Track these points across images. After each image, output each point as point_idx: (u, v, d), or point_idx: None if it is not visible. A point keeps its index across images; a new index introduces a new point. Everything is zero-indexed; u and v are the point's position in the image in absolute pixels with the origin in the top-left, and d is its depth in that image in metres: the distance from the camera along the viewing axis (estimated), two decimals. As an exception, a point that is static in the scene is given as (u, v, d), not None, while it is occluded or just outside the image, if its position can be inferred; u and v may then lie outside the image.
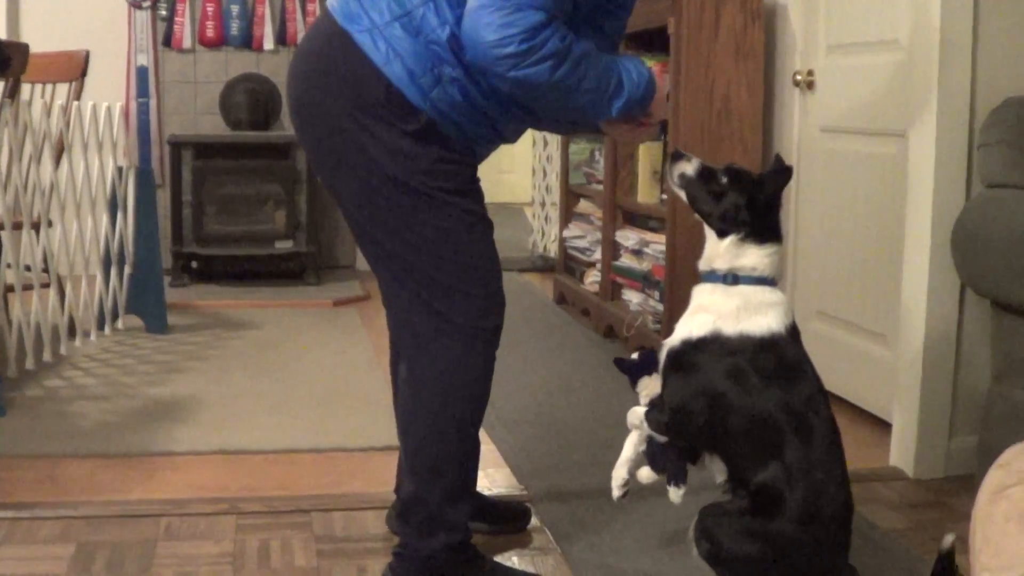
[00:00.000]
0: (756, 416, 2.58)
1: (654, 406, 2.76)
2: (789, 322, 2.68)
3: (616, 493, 2.87)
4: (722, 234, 2.68)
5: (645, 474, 2.87)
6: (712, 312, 2.66)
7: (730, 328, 2.63)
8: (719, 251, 2.69)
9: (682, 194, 2.76)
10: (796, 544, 2.57)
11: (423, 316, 2.72)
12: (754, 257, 2.67)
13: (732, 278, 2.67)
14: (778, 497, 2.56)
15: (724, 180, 2.70)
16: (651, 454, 2.82)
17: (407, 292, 2.73)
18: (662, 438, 2.77)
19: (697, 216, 2.75)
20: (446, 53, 2.57)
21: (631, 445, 2.86)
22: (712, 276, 2.70)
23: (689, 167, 2.75)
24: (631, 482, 2.88)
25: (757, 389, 2.59)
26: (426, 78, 2.58)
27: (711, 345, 2.63)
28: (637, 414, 2.81)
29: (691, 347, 2.66)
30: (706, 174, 2.73)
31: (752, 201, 2.66)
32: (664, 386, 2.73)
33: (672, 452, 2.77)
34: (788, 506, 2.55)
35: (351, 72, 2.60)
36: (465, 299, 2.70)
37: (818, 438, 2.60)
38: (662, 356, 2.74)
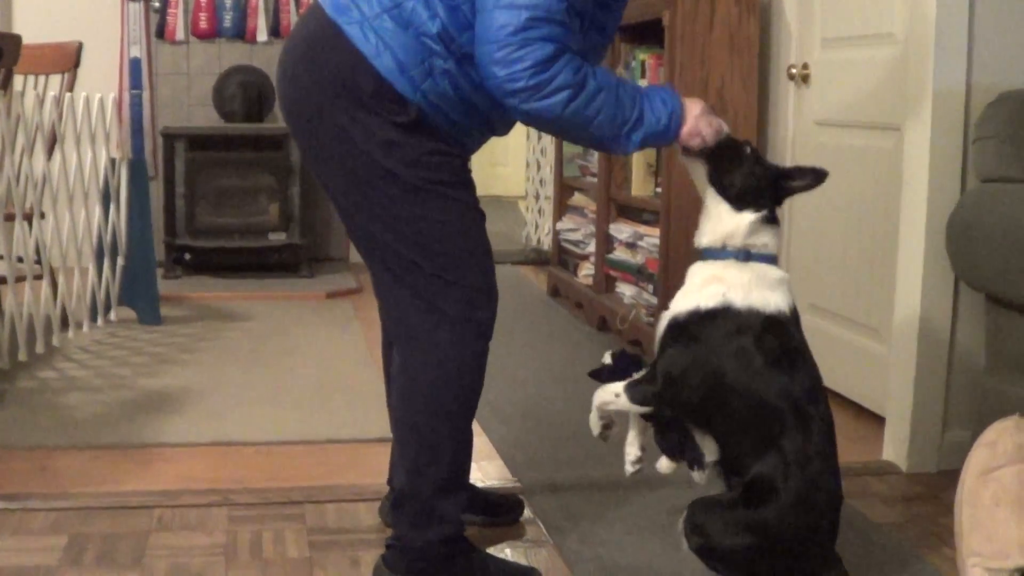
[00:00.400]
0: (758, 402, 2.58)
1: (639, 380, 2.74)
2: (792, 303, 2.68)
3: (629, 470, 2.86)
4: (740, 208, 2.67)
5: (664, 464, 2.85)
6: (724, 283, 2.64)
7: (740, 300, 2.61)
8: (737, 228, 2.66)
9: (698, 164, 2.73)
10: (787, 535, 2.57)
11: (414, 307, 2.71)
12: (768, 235, 2.67)
13: (745, 255, 2.66)
14: (772, 487, 2.56)
15: (749, 151, 2.69)
16: (664, 444, 2.80)
17: (399, 284, 2.72)
18: (641, 409, 2.74)
19: (706, 190, 2.73)
20: (437, 45, 2.56)
21: (633, 420, 2.84)
22: (723, 254, 2.68)
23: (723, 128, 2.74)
24: (644, 457, 2.86)
25: (761, 373, 2.58)
26: (417, 70, 2.57)
27: (719, 318, 2.62)
28: (608, 391, 2.78)
29: (698, 318, 2.64)
30: (733, 143, 2.73)
31: (777, 185, 2.67)
32: (660, 355, 2.70)
33: (686, 436, 2.74)
34: (781, 497, 2.55)
35: (341, 64, 2.59)
36: (457, 291, 2.70)
37: (816, 429, 2.60)
38: (661, 326, 2.71)
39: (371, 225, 2.69)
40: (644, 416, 2.80)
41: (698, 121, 2.69)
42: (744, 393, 2.59)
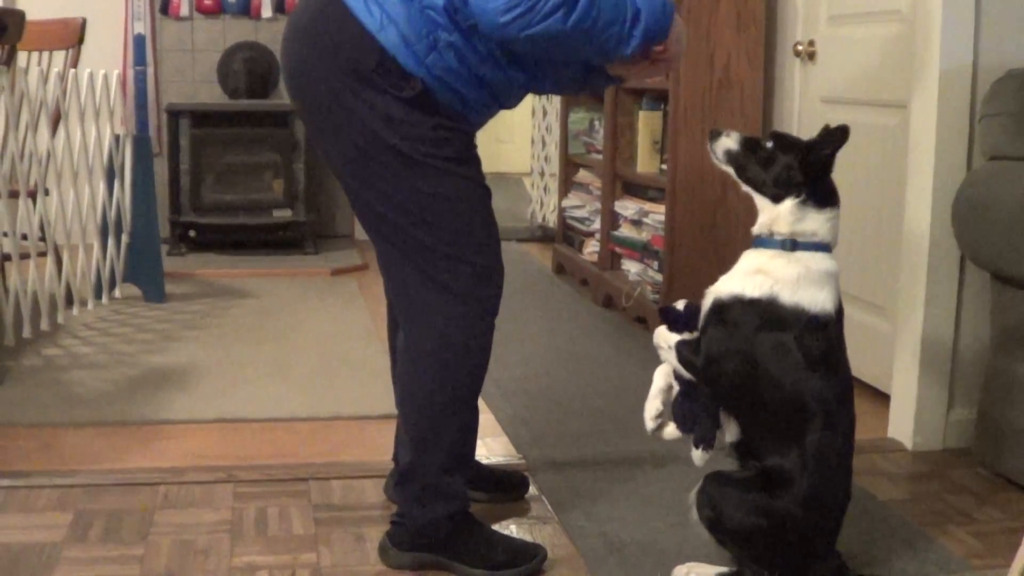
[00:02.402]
0: (790, 399, 2.56)
1: (689, 345, 2.71)
2: (839, 300, 2.66)
3: (650, 425, 2.79)
4: (777, 199, 2.65)
5: (670, 431, 2.82)
6: (771, 277, 2.61)
7: (787, 296, 2.58)
8: (779, 216, 2.64)
9: (730, 169, 2.73)
10: (796, 525, 2.57)
11: (420, 284, 2.71)
12: (815, 222, 2.64)
13: (791, 244, 2.63)
14: (789, 479, 2.56)
15: (770, 146, 2.67)
16: (680, 413, 2.76)
17: (404, 261, 2.72)
18: (682, 371, 2.73)
19: (746, 188, 2.72)
20: (441, 18, 2.55)
21: (661, 375, 2.78)
22: (770, 242, 2.65)
23: (731, 142, 2.72)
24: (665, 414, 2.81)
25: (798, 372, 2.57)
26: (421, 44, 2.56)
27: (764, 309, 2.59)
28: (665, 337, 2.75)
29: (741, 304, 2.61)
30: (751, 144, 2.70)
31: (804, 162, 2.64)
32: (703, 331, 2.68)
33: (704, 413, 2.72)
34: (796, 490, 2.55)
35: (345, 39, 2.58)
36: (463, 267, 2.69)
37: (839, 434, 2.60)
38: (707, 303, 2.68)
39: (376, 202, 2.68)
40: (676, 377, 2.77)
41: (680, 27, 2.71)
42: (778, 388, 2.57)
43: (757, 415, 2.63)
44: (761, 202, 2.69)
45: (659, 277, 5.16)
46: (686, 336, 2.73)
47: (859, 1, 4.26)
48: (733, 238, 4.89)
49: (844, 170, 4.26)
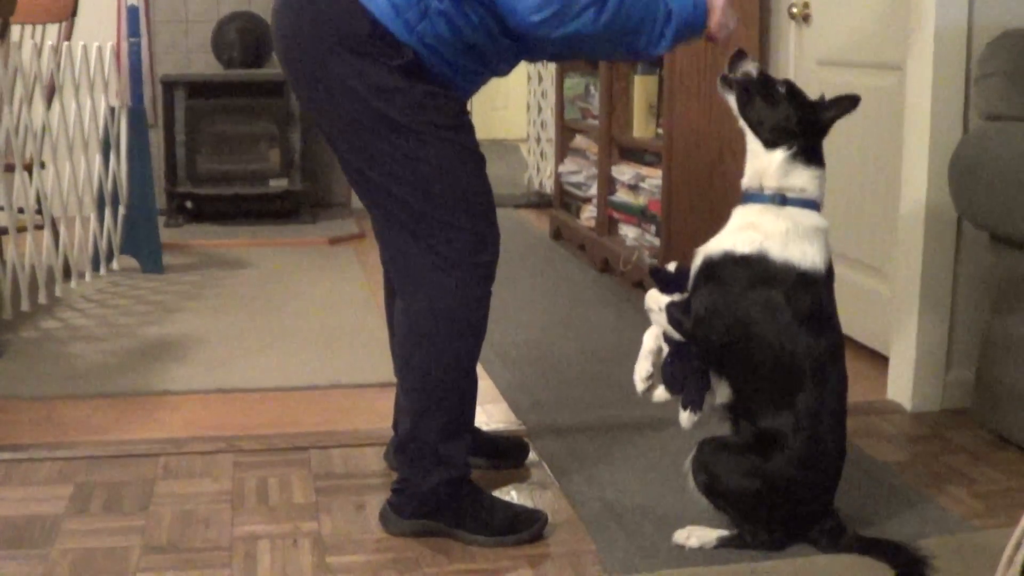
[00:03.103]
0: (781, 358, 2.57)
1: (678, 306, 2.71)
2: (828, 257, 2.66)
3: (640, 386, 2.81)
4: (770, 145, 2.65)
5: (659, 393, 2.82)
6: (761, 231, 2.62)
7: (776, 251, 2.59)
8: (768, 166, 2.65)
9: (732, 99, 2.72)
10: (791, 486, 2.59)
11: (416, 252, 2.70)
12: (803, 177, 2.64)
13: (781, 199, 2.63)
14: (781, 440, 2.57)
15: (782, 91, 2.67)
16: (669, 374, 2.77)
17: (399, 228, 2.71)
18: (672, 332, 2.73)
19: (743, 125, 2.71)
20: None
21: (651, 336, 2.79)
22: (760, 197, 2.66)
23: (753, 68, 2.72)
24: (655, 375, 2.82)
25: (788, 330, 2.57)
26: (411, 12, 2.55)
27: (754, 265, 2.60)
28: (656, 299, 2.76)
29: (731, 261, 2.62)
30: (766, 81, 2.70)
31: (806, 118, 2.64)
32: (693, 291, 2.68)
33: (693, 375, 2.72)
34: (789, 450, 2.57)
35: (335, 8, 2.57)
36: (458, 234, 2.69)
37: (830, 389, 2.60)
38: (696, 262, 2.69)
39: (370, 170, 2.68)
40: (666, 339, 2.78)
41: (724, 13, 2.69)
42: (768, 346, 2.58)
43: (747, 375, 2.63)
44: (753, 145, 2.70)
45: (656, 241, 5.16)
46: (676, 298, 2.74)
47: (854, -38, 4.25)
48: (730, 202, 4.86)
49: (840, 133, 4.24)
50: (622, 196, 5.62)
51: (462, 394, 2.83)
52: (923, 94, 3.58)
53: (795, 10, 4.63)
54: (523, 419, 3.60)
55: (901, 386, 3.76)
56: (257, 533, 2.84)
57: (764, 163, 2.66)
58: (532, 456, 3.30)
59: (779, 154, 2.64)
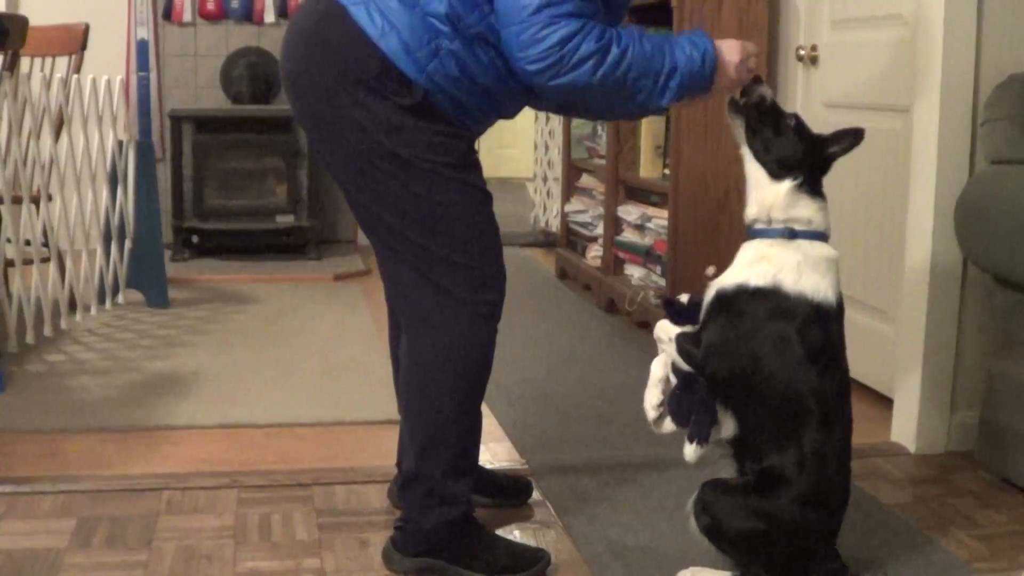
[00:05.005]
0: (789, 393, 2.56)
1: (688, 337, 2.70)
2: (839, 290, 2.66)
3: (651, 415, 2.77)
4: (776, 176, 2.64)
5: (667, 425, 2.80)
6: (774, 264, 2.60)
7: (790, 284, 2.58)
8: (776, 198, 2.64)
9: (740, 125, 2.71)
10: (794, 527, 2.57)
11: (422, 290, 2.70)
12: (810, 209, 2.64)
13: (790, 232, 2.63)
14: (785, 480, 2.56)
15: (791, 123, 2.67)
16: (676, 406, 2.74)
17: (406, 266, 2.71)
18: (681, 363, 2.73)
19: (744, 153, 2.71)
20: (444, 26, 2.55)
21: (659, 365, 2.77)
22: (769, 231, 2.65)
23: (768, 92, 2.71)
24: (665, 404, 2.79)
25: (798, 365, 2.57)
26: (423, 51, 2.56)
27: (768, 298, 2.58)
28: (666, 329, 2.75)
29: (745, 294, 2.61)
30: (777, 111, 2.70)
31: (813, 152, 2.64)
32: (705, 323, 2.67)
33: (700, 407, 2.71)
34: (793, 491, 2.55)
35: (345, 46, 2.58)
36: (465, 272, 2.69)
37: (836, 431, 2.60)
38: (709, 295, 2.68)
39: (377, 208, 2.68)
40: (674, 370, 2.77)
41: (739, 71, 2.69)
42: (777, 381, 2.57)
43: (754, 410, 2.62)
44: (757, 175, 2.69)
45: (662, 282, 5.16)
46: (688, 329, 2.73)
47: (862, 6, 4.26)
48: (736, 243, 4.88)
49: (847, 174, 4.27)
50: (628, 236, 5.63)
51: (466, 433, 2.82)
52: (930, 137, 3.59)
53: (803, 52, 4.64)
54: (527, 458, 3.60)
55: (905, 428, 3.75)
56: (260, 569, 2.83)
57: (770, 194, 2.66)
58: (535, 495, 3.30)
59: (785, 185, 2.64)
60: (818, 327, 2.59)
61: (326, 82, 2.61)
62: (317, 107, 2.65)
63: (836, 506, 2.64)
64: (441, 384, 2.75)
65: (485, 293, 2.73)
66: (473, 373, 2.78)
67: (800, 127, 2.68)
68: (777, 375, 2.57)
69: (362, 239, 7.51)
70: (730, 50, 2.68)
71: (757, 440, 2.62)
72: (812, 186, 2.66)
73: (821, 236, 2.66)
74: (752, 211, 2.70)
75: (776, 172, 2.65)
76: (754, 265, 2.64)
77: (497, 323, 2.79)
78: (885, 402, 4.00)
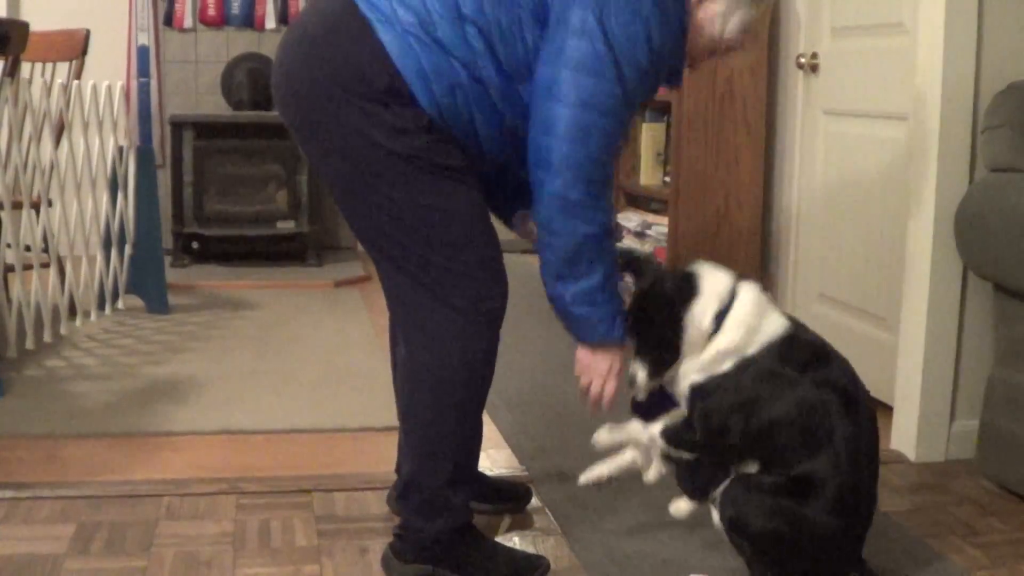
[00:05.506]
0: (802, 406, 2.55)
1: (677, 429, 2.72)
2: (784, 315, 2.68)
3: (584, 482, 2.89)
4: (691, 355, 2.68)
5: (683, 507, 2.87)
6: (733, 354, 2.62)
7: (752, 349, 2.60)
8: (706, 357, 2.65)
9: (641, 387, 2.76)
10: (823, 533, 2.56)
11: (422, 299, 2.69)
12: (726, 334, 2.64)
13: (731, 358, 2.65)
14: (817, 485, 2.54)
15: (664, 314, 2.69)
16: (692, 485, 2.83)
17: (405, 276, 2.70)
18: (682, 454, 2.76)
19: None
20: (464, 75, 2.57)
21: (625, 460, 2.88)
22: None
23: (640, 369, 2.73)
24: (608, 483, 2.91)
25: (797, 380, 2.57)
26: (440, 83, 2.55)
27: (739, 369, 2.61)
28: (643, 432, 2.80)
29: (720, 378, 2.63)
30: (655, 358, 2.72)
31: (669, 311, 2.68)
32: (691, 411, 2.68)
33: (719, 472, 2.72)
34: (825, 495, 2.53)
35: (358, 54, 2.55)
36: (464, 280, 2.68)
37: (864, 416, 2.60)
38: (683, 389, 2.69)
39: (375, 216, 2.67)
40: (672, 461, 2.82)
41: (605, 376, 2.81)
42: (787, 410, 2.56)
43: (776, 444, 2.59)
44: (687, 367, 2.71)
45: (662, 288, 5.15)
46: (665, 421, 2.77)
47: (862, 14, 4.27)
48: (735, 249, 4.90)
49: (847, 182, 4.27)
50: (628, 243, 5.63)
51: (466, 440, 2.82)
52: (930, 145, 3.59)
53: (803, 60, 4.65)
54: (526, 465, 3.60)
55: (905, 436, 3.75)
56: (259, 576, 2.84)
57: (705, 358, 2.66)
58: (535, 502, 3.30)
59: (708, 349, 2.66)
60: (790, 346, 2.61)
61: (330, 89, 2.59)
62: (316, 114, 2.64)
63: (865, 510, 2.62)
64: (440, 393, 2.74)
65: (485, 301, 2.72)
66: (473, 382, 2.77)
67: (665, 315, 2.70)
68: (783, 403, 2.56)
69: (362, 246, 7.50)
70: (614, 360, 2.79)
71: (788, 460, 2.59)
72: (717, 322, 2.65)
73: (745, 293, 2.67)
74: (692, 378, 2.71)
75: (669, 359, 2.69)
76: (714, 363, 2.65)
77: (498, 331, 2.78)
78: (885, 410, 4.00)
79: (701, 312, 2.63)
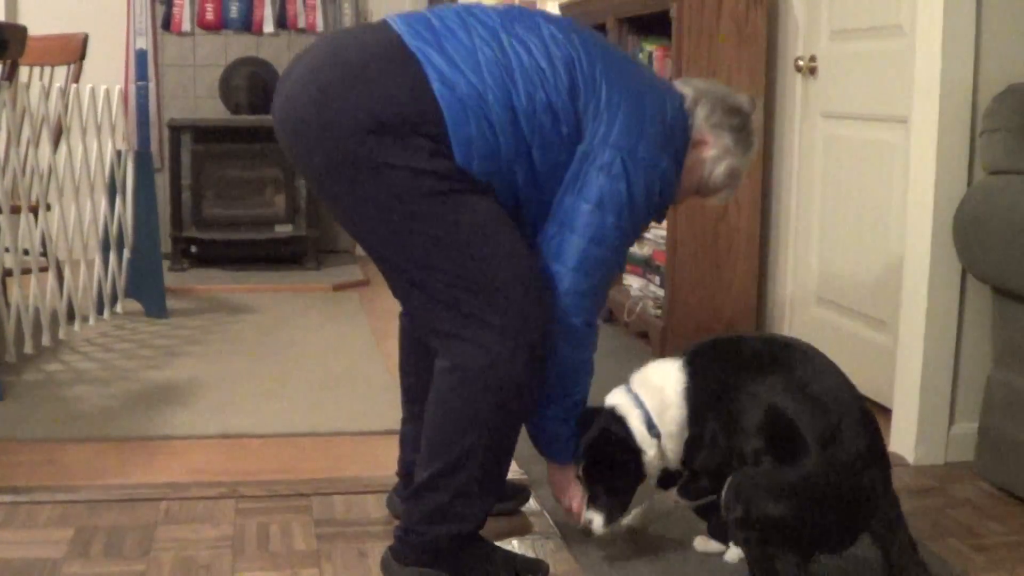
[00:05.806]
0: (774, 409, 2.61)
1: (686, 482, 2.89)
2: (692, 347, 2.87)
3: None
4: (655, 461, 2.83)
5: (712, 546, 2.97)
6: (666, 421, 2.79)
7: (700, 387, 2.77)
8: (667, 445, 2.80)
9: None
10: (824, 492, 2.54)
11: (454, 320, 2.66)
12: (666, 425, 2.80)
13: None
14: (794, 438, 2.55)
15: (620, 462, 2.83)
16: (717, 530, 2.92)
17: (436, 300, 2.66)
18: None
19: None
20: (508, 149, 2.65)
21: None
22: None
23: (597, 516, 2.86)
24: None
25: (765, 382, 2.62)
26: (479, 147, 2.61)
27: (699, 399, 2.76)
28: (666, 500, 2.97)
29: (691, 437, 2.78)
30: (608, 502, 2.87)
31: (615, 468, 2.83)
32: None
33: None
34: (811, 452, 2.54)
35: (399, 87, 2.57)
36: (503, 299, 2.63)
37: (814, 364, 2.68)
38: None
39: (408, 242, 2.63)
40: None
41: (571, 496, 2.95)
42: (761, 401, 2.62)
43: (756, 439, 2.64)
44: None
45: (660, 292, 5.16)
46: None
47: (860, 16, 4.27)
48: (734, 254, 4.89)
49: (845, 184, 4.27)
50: (627, 245, 5.62)
51: (493, 463, 2.76)
52: (928, 147, 3.59)
53: (801, 63, 4.65)
54: (525, 469, 3.59)
55: (904, 439, 3.75)
56: (258, 579, 2.83)
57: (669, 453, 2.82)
58: (534, 506, 3.30)
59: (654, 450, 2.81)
60: (740, 360, 2.73)
61: (364, 121, 2.56)
62: (345, 144, 2.60)
63: (858, 444, 2.62)
64: (471, 413, 2.68)
65: (525, 322, 2.65)
66: (509, 404, 2.70)
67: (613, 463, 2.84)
68: (760, 396, 2.62)
69: (361, 249, 7.49)
70: (572, 489, 2.95)
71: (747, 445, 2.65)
72: (654, 433, 2.80)
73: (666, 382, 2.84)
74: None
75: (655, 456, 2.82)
76: (673, 439, 2.81)
77: (536, 352, 2.68)
78: (884, 413, 4.00)
79: (643, 439, 2.81)
